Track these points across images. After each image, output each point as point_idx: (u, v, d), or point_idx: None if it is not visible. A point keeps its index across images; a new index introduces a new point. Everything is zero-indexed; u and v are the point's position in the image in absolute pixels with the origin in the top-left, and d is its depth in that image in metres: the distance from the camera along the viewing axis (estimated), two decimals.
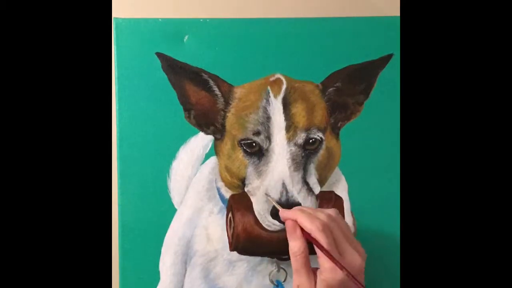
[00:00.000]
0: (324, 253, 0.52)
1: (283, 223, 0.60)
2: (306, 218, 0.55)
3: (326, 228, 0.54)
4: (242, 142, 0.65)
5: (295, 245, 0.55)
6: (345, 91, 0.68)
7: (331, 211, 0.57)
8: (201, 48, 0.69)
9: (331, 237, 0.53)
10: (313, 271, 0.54)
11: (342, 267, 0.51)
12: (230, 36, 0.69)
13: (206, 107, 0.67)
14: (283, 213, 0.57)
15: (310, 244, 0.54)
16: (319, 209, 0.59)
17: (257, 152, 0.64)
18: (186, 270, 0.70)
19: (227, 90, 0.67)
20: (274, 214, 0.60)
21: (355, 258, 0.53)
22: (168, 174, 0.69)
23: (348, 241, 0.55)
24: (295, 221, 0.55)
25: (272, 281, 0.68)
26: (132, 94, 0.68)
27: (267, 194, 0.61)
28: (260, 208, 0.61)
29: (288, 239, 0.55)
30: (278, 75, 0.68)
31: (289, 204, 0.60)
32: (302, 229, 0.55)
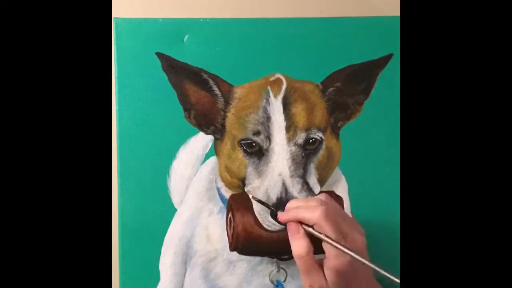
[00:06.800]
0: (329, 242, 0.51)
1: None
2: (306, 212, 0.54)
3: (328, 214, 0.52)
4: (242, 142, 0.65)
5: (301, 245, 0.53)
6: (345, 91, 0.68)
7: (321, 196, 0.56)
8: (201, 48, 0.69)
9: (335, 222, 0.52)
10: (320, 264, 0.54)
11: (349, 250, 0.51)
12: (230, 36, 0.69)
13: (206, 107, 0.67)
14: (282, 216, 0.56)
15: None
16: (309, 198, 0.58)
17: (257, 152, 0.64)
18: (186, 270, 0.70)
19: (227, 90, 0.67)
20: (274, 214, 0.60)
21: (356, 237, 0.53)
22: (168, 174, 0.69)
23: (345, 221, 0.54)
24: (297, 222, 0.54)
25: (272, 281, 0.68)
26: (132, 94, 0.68)
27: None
28: (260, 208, 0.61)
29: (291, 240, 0.54)
30: (278, 75, 0.68)
31: None
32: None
